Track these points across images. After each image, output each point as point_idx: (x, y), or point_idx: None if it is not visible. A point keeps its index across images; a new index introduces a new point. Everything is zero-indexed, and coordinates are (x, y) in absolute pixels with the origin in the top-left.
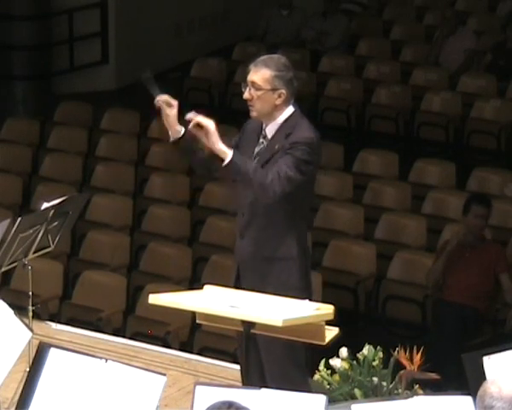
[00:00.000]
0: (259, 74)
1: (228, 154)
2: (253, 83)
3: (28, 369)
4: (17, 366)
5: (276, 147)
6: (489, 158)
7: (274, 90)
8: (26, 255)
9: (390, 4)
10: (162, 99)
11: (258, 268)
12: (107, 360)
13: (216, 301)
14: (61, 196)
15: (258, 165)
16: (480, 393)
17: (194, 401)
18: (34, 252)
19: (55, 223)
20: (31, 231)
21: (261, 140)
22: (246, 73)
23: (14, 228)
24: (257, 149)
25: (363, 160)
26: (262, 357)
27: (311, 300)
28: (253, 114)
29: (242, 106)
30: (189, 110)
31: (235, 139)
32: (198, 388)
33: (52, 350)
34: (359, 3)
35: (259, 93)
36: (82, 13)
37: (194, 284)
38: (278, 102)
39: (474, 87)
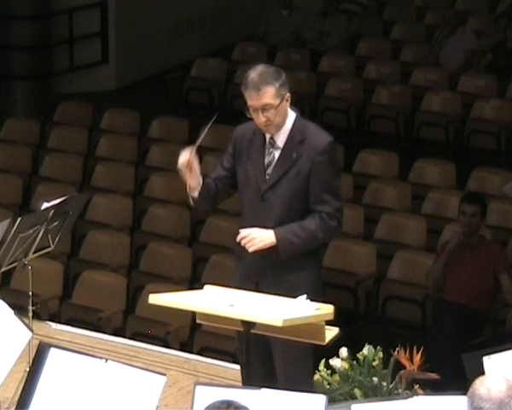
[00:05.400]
0: (267, 94)
1: (274, 241)
2: (265, 105)
3: (28, 369)
4: (17, 366)
5: (294, 156)
6: (489, 158)
7: (283, 98)
8: (26, 255)
9: (390, 4)
10: (192, 156)
11: (280, 277)
12: (107, 360)
13: (216, 301)
14: (61, 196)
15: (301, 224)
16: (469, 394)
17: (194, 401)
18: (34, 252)
19: (55, 223)
20: (31, 231)
21: (270, 150)
22: (242, 95)
23: (14, 228)
24: (267, 160)
25: (363, 160)
26: (277, 357)
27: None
28: (272, 131)
29: (242, 106)
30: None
31: (228, 151)
32: (198, 388)
33: (52, 350)
34: (359, 3)
35: (275, 111)
36: (82, 13)
37: (194, 284)
38: (287, 106)
39: (474, 87)
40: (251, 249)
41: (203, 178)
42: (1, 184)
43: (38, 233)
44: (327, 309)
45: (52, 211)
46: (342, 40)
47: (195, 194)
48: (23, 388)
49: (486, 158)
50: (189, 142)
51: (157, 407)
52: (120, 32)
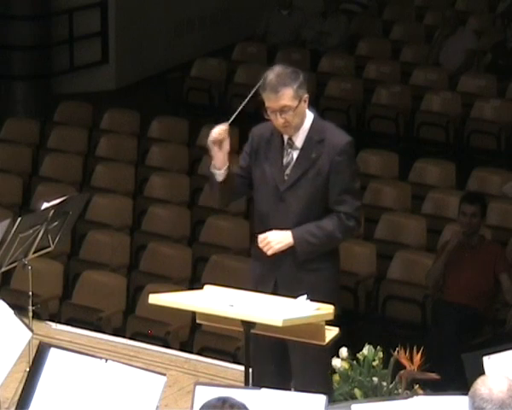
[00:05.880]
0: (285, 97)
1: (291, 242)
2: (284, 107)
3: (28, 369)
4: (17, 366)
5: (313, 156)
6: (489, 158)
7: (301, 100)
8: (26, 255)
9: (390, 4)
10: (225, 133)
11: (299, 277)
12: (107, 360)
13: (216, 301)
14: (61, 196)
15: (318, 224)
16: (470, 394)
17: (194, 401)
18: (34, 252)
19: (55, 223)
20: (31, 231)
21: (288, 150)
22: (259, 96)
23: (14, 228)
24: (286, 160)
25: (364, 160)
26: (294, 359)
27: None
28: (290, 132)
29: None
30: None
31: (245, 151)
32: (198, 388)
33: (52, 350)
34: (359, 3)
35: (293, 113)
36: (82, 13)
37: (194, 284)
38: (305, 107)
39: (474, 87)
40: (269, 252)
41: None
42: (1, 184)
43: (38, 233)
44: (327, 309)
45: (52, 211)
46: (342, 40)
47: (221, 173)
48: (23, 388)
49: (486, 158)
50: (189, 142)
51: (157, 407)
52: (120, 32)
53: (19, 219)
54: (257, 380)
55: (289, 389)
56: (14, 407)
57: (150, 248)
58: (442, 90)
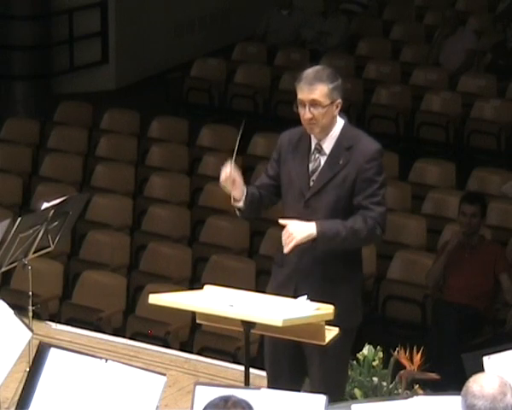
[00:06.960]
0: (318, 91)
1: (314, 233)
2: (314, 101)
3: (28, 369)
4: (17, 366)
5: (341, 162)
6: (489, 158)
7: (333, 102)
8: (26, 255)
9: (390, 4)
10: (232, 169)
11: (322, 287)
12: (107, 360)
13: (216, 301)
14: (61, 196)
15: (349, 222)
16: (462, 392)
17: (194, 401)
18: (34, 252)
19: (55, 223)
20: (31, 231)
21: (316, 156)
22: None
23: (14, 228)
24: (312, 166)
25: None
26: (313, 365)
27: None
28: (316, 131)
29: (242, 106)
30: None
31: (273, 158)
32: (198, 388)
33: (52, 350)
34: (359, 3)
35: (323, 110)
36: (82, 13)
37: (194, 284)
38: (336, 112)
39: (474, 87)
40: (291, 245)
41: (246, 187)
42: (1, 184)
43: (38, 233)
44: (327, 309)
45: (52, 211)
46: (342, 40)
47: (241, 205)
48: (23, 388)
49: (486, 158)
50: (189, 142)
51: (157, 407)
52: (120, 32)
53: (19, 219)
54: (271, 382)
55: (299, 390)
56: (14, 407)
57: (150, 248)
58: (442, 90)
